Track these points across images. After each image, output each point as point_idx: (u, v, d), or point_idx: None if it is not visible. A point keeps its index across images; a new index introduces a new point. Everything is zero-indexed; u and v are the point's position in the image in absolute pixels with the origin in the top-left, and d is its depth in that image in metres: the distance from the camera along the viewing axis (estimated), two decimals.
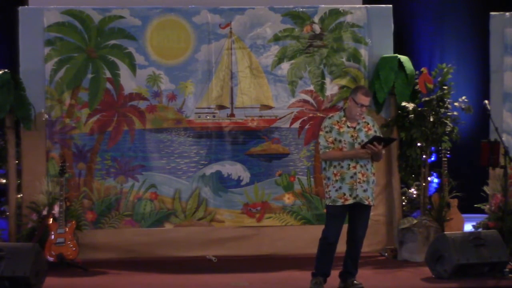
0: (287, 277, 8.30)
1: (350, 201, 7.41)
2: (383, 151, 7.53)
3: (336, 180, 7.43)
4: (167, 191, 9.52)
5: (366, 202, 7.45)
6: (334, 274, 7.67)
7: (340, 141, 7.43)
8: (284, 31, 9.66)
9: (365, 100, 7.47)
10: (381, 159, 7.61)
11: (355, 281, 7.54)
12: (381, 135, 7.63)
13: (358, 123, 7.51)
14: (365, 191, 7.42)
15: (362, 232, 7.58)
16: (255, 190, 9.58)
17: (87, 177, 9.45)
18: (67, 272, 8.57)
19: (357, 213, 7.52)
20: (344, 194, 7.41)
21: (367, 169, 7.44)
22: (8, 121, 9.21)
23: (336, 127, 7.49)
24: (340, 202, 7.42)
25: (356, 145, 7.42)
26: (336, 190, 7.43)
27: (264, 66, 9.65)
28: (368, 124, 7.57)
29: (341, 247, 7.59)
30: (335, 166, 7.45)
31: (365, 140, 7.40)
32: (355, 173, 7.40)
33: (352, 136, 7.46)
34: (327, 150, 7.45)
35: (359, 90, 7.54)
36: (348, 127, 7.48)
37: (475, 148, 9.17)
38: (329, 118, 7.60)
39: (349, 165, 7.41)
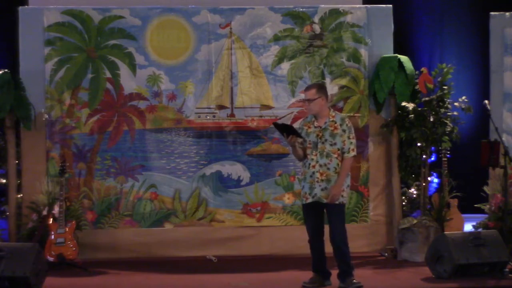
0: (287, 277, 8.30)
1: (310, 200, 7.49)
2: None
3: (301, 179, 7.61)
4: (167, 191, 9.52)
5: (325, 200, 7.45)
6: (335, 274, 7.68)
7: (306, 141, 7.52)
8: (284, 31, 9.66)
9: (305, 94, 7.64)
10: (300, 156, 7.56)
11: (354, 280, 7.50)
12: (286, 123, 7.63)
13: (325, 122, 7.52)
14: (323, 189, 7.44)
15: (335, 232, 7.48)
16: (255, 190, 9.58)
17: (87, 177, 9.45)
18: (67, 272, 8.57)
19: (328, 213, 7.53)
20: (306, 193, 7.52)
21: (328, 169, 7.45)
22: (8, 121, 9.21)
23: (306, 127, 7.58)
24: (304, 201, 7.57)
25: (320, 145, 7.47)
26: (302, 189, 7.59)
27: (264, 66, 9.65)
28: (335, 123, 7.53)
29: (327, 248, 7.62)
30: (303, 166, 7.60)
31: (329, 139, 7.47)
32: (313, 172, 7.47)
33: (317, 135, 7.51)
34: None
35: None
36: (315, 127, 7.53)
37: (475, 148, 9.17)
38: (303, 119, 7.74)
39: (309, 164, 7.50)
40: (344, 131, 7.52)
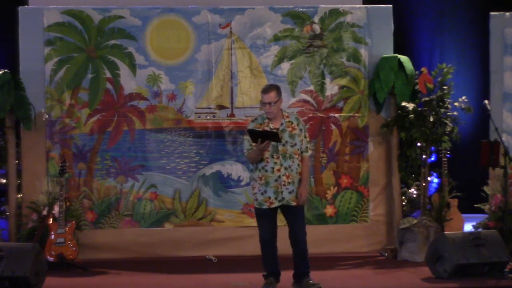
0: (287, 277, 8.28)
1: (276, 204, 7.37)
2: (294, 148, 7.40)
3: (261, 184, 7.39)
4: (167, 191, 9.52)
5: (293, 203, 7.39)
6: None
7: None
8: (284, 31, 9.66)
9: (264, 97, 7.36)
10: (257, 158, 7.34)
11: (310, 281, 7.46)
12: (264, 129, 7.35)
13: (282, 124, 7.40)
14: (290, 192, 7.36)
15: (301, 233, 7.44)
16: None
17: (87, 177, 9.45)
18: (67, 272, 8.57)
19: (290, 215, 7.44)
20: (270, 198, 7.36)
21: (291, 170, 7.35)
22: (8, 121, 9.21)
23: (259, 129, 7.38)
24: (265, 206, 7.38)
25: (280, 147, 7.33)
26: (262, 194, 7.39)
27: (264, 66, 9.65)
28: (292, 123, 7.43)
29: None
30: (259, 170, 7.39)
31: (289, 140, 7.35)
32: (279, 176, 7.34)
33: None
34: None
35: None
36: (271, 129, 7.38)
37: (475, 148, 9.17)
38: (252, 121, 7.54)
39: (273, 168, 7.34)
40: (301, 130, 7.45)
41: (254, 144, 7.31)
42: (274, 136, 7.24)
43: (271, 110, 7.37)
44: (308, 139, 7.53)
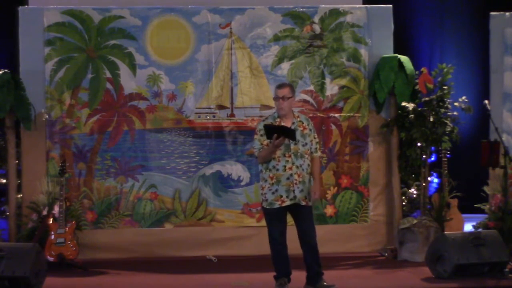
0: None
1: (287, 202, 7.35)
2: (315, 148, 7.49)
3: (272, 183, 7.37)
4: (167, 191, 9.52)
5: (303, 203, 7.39)
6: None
7: (271, 142, 7.27)
8: (284, 31, 9.66)
9: (279, 92, 7.42)
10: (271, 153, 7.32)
11: (325, 283, 7.47)
12: (279, 125, 7.34)
13: (293, 123, 7.42)
14: (301, 191, 7.37)
15: (312, 233, 7.46)
16: (255, 190, 9.57)
17: (87, 177, 9.46)
18: (67, 272, 8.57)
19: (300, 215, 7.44)
20: (281, 196, 7.35)
21: (303, 169, 7.38)
22: (8, 121, 9.21)
23: (278, 125, 7.37)
24: (277, 205, 7.37)
25: (292, 146, 7.34)
26: (273, 193, 7.37)
27: (264, 66, 9.66)
28: (302, 123, 7.48)
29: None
30: (270, 170, 7.38)
31: (301, 140, 7.37)
32: (291, 175, 7.34)
33: None
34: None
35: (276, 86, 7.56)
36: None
37: (475, 148, 9.17)
38: (263, 120, 7.54)
39: (284, 167, 7.35)
40: (310, 130, 7.49)
41: (265, 143, 7.31)
42: (291, 133, 7.25)
43: (284, 106, 7.40)
44: (317, 140, 7.56)
